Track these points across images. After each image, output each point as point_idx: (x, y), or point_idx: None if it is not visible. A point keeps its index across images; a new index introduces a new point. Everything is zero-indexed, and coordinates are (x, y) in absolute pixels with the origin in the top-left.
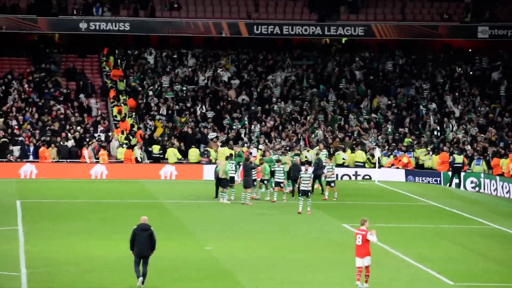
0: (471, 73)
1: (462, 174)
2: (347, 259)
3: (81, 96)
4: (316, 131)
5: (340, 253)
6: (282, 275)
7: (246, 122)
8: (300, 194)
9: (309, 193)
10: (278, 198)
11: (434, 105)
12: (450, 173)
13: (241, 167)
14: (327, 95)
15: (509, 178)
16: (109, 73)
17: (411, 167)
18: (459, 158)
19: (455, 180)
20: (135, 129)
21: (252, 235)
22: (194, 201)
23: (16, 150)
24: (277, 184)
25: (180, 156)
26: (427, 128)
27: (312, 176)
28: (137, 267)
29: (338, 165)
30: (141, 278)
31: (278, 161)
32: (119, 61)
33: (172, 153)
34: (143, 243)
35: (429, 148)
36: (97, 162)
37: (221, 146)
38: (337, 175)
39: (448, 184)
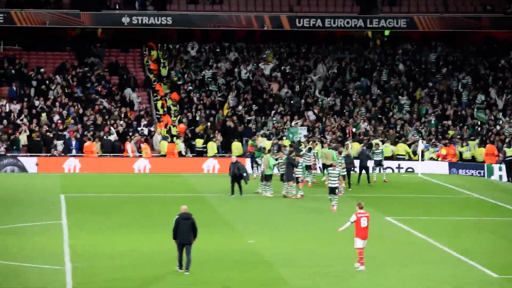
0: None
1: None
2: (389, 252)
3: (125, 90)
4: (359, 124)
5: (382, 246)
6: (326, 269)
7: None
8: (328, 192)
9: (337, 190)
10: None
11: (483, 97)
12: (494, 165)
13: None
14: (370, 88)
15: None
16: (152, 67)
17: (450, 159)
18: (510, 151)
19: (498, 173)
20: (177, 123)
21: (294, 229)
22: (236, 195)
23: (59, 144)
24: (296, 179)
25: (216, 151)
26: (471, 120)
27: (341, 173)
28: (181, 256)
29: (386, 158)
30: (186, 272)
31: (298, 156)
32: (160, 55)
33: (211, 147)
34: (185, 231)
35: (476, 141)
36: (140, 156)
37: (267, 139)
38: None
39: (507, 179)
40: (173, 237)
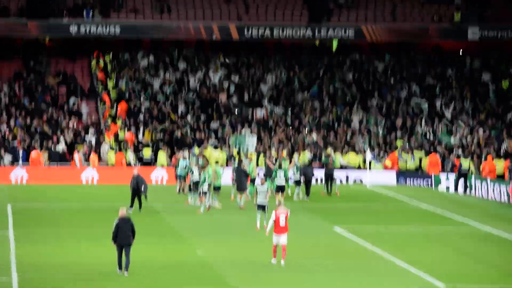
0: (459, 74)
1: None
2: (337, 261)
3: (72, 99)
4: (306, 135)
5: (331, 256)
6: (275, 279)
7: (235, 126)
8: (256, 208)
9: (266, 207)
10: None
11: (426, 106)
12: (441, 176)
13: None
14: (319, 98)
15: (500, 180)
16: (100, 76)
17: (396, 168)
18: (466, 164)
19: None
20: (125, 133)
21: (244, 239)
22: (185, 205)
23: (7, 155)
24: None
25: (164, 162)
26: (418, 130)
27: (269, 188)
28: (120, 258)
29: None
30: (125, 273)
31: (203, 167)
32: (108, 64)
33: (160, 157)
34: (126, 233)
35: (423, 151)
36: (88, 166)
37: (214, 149)
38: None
39: (454, 189)
40: (112, 239)
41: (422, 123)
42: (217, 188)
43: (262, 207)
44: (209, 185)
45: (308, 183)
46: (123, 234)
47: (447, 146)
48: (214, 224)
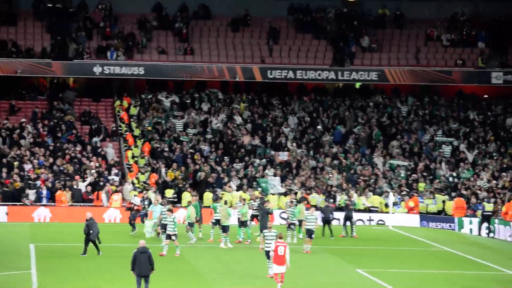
0: (482, 118)
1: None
2: None
3: (95, 139)
4: (326, 177)
5: None
6: None
7: (259, 166)
8: (266, 256)
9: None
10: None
11: (448, 150)
12: (464, 219)
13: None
14: (342, 140)
15: None
16: (123, 117)
17: (416, 211)
18: (489, 206)
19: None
20: (148, 173)
21: (266, 279)
22: (206, 245)
23: (31, 194)
24: (168, 236)
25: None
26: (441, 173)
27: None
28: (139, 286)
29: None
30: None
31: (169, 210)
32: (132, 104)
33: (185, 197)
34: (143, 264)
35: (446, 196)
36: (111, 206)
37: (236, 190)
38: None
39: (477, 232)
40: (131, 268)
41: (444, 166)
42: (226, 228)
43: (269, 254)
44: (192, 223)
45: (327, 222)
46: (141, 265)
47: (468, 188)
48: (234, 262)
